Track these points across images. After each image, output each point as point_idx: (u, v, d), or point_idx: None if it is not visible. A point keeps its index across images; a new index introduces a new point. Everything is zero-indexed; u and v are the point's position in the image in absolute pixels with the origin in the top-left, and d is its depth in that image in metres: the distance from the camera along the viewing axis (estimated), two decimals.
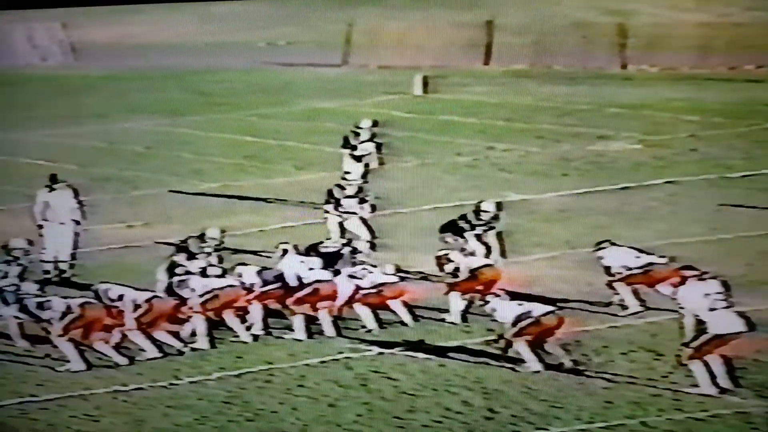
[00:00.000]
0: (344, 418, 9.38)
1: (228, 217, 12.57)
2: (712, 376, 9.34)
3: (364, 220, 12.26)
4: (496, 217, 11.56)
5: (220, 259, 11.17)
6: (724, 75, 15.98)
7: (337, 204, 12.29)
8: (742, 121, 14.74)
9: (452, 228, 11.40)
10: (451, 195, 13.31)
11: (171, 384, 9.92)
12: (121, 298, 10.41)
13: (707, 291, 9.43)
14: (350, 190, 12.41)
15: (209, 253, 11.13)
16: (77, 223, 12.23)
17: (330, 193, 12.37)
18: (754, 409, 9.13)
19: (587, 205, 13.09)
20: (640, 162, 14.24)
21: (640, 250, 10.96)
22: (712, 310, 9.36)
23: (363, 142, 13.77)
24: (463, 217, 11.53)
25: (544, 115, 15.42)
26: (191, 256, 11.05)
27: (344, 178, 12.82)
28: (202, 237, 11.25)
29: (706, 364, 9.35)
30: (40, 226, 12.16)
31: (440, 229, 11.42)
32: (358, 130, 13.86)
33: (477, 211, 11.56)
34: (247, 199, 13.70)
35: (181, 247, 11.14)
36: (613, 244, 10.97)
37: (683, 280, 9.63)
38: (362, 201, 12.39)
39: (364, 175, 13.49)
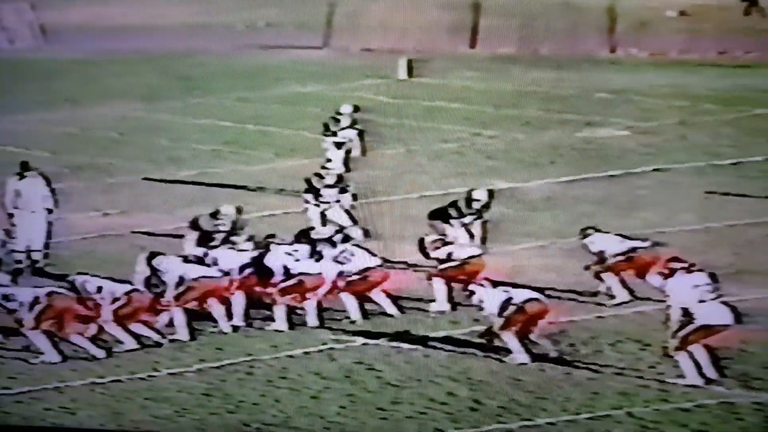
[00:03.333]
0: (327, 410, 9.56)
1: (206, 206, 12.68)
2: (698, 367, 9.63)
3: (345, 210, 12.40)
4: (486, 206, 11.71)
5: (232, 238, 11.16)
6: (714, 60, 16.20)
7: (317, 193, 12.42)
8: (731, 108, 14.98)
9: (442, 215, 11.56)
10: (436, 183, 13.48)
11: (150, 376, 10.07)
12: (99, 290, 10.57)
13: (696, 283, 9.70)
14: (329, 179, 12.53)
15: (226, 232, 11.17)
16: (49, 211, 12.35)
17: (309, 182, 12.49)
18: (739, 399, 9.40)
19: (574, 193, 13.31)
20: (628, 149, 14.45)
21: (623, 236, 11.23)
22: (701, 302, 9.64)
23: (344, 128, 13.90)
24: (454, 204, 11.70)
25: (531, 100, 15.59)
26: (205, 236, 11.13)
27: (324, 167, 12.92)
28: (215, 215, 11.34)
29: (692, 355, 9.65)
30: (11, 215, 12.27)
31: (429, 216, 11.60)
32: (339, 116, 13.99)
33: (468, 200, 11.73)
34: (226, 186, 13.83)
35: (196, 226, 11.24)
36: (598, 230, 11.24)
37: (671, 272, 9.88)
38: (342, 190, 12.53)
39: (346, 163, 13.63)
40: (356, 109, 14.09)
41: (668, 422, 9.20)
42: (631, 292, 11.00)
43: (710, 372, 9.64)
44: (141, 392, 9.84)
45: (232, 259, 11.04)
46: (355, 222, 12.27)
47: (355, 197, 12.53)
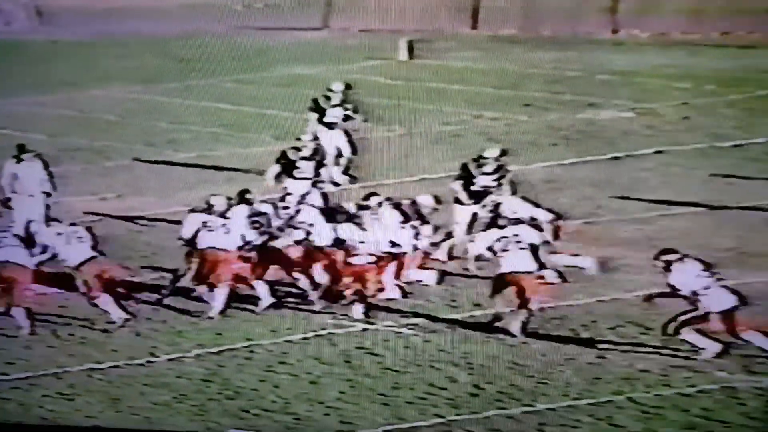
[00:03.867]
0: (327, 395, 9.56)
1: (204, 189, 12.67)
2: (712, 337, 9.63)
3: (323, 193, 11.86)
4: (500, 167, 11.21)
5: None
6: (717, 41, 16.13)
7: (292, 167, 12.03)
8: (735, 89, 14.93)
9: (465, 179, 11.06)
10: (436, 165, 13.45)
11: (148, 362, 10.08)
12: (45, 249, 10.47)
13: (696, 271, 9.69)
14: (306, 152, 12.10)
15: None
16: (47, 195, 12.32)
17: (284, 154, 12.04)
18: (740, 384, 9.41)
19: (576, 175, 13.28)
20: (631, 130, 14.42)
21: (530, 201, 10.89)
22: (706, 288, 9.63)
23: (334, 106, 13.62)
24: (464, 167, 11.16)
25: (532, 82, 15.55)
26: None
27: (298, 139, 12.40)
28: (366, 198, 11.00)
29: (700, 331, 9.64)
30: (9, 199, 12.25)
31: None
32: (330, 94, 13.69)
33: (479, 159, 11.18)
34: (224, 169, 13.79)
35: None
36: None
37: (668, 265, 9.84)
38: (320, 165, 12.20)
39: (352, 143, 13.40)
40: (348, 86, 13.80)
41: (670, 408, 9.19)
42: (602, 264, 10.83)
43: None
44: (139, 378, 9.84)
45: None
46: (326, 202, 11.64)
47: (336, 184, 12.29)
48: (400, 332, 10.41)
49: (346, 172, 13.39)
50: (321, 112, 13.56)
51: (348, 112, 13.52)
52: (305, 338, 10.39)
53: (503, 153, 11.34)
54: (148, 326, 10.62)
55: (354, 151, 13.35)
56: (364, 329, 10.51)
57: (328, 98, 13.63)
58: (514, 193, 11.22)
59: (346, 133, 13.50)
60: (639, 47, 16.36)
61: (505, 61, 15.94)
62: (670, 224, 11.91)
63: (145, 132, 14.93)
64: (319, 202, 11.69)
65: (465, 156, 13.74)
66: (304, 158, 12.06)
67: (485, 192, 11.22)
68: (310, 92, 14.91)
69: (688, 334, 9.64)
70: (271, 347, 10.27)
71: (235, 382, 9.77)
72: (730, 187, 12.71)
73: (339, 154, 13.37)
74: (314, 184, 12.05)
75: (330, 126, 13.45)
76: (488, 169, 11.25)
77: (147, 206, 12.70)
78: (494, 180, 11.23)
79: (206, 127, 15.03)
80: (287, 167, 12.11)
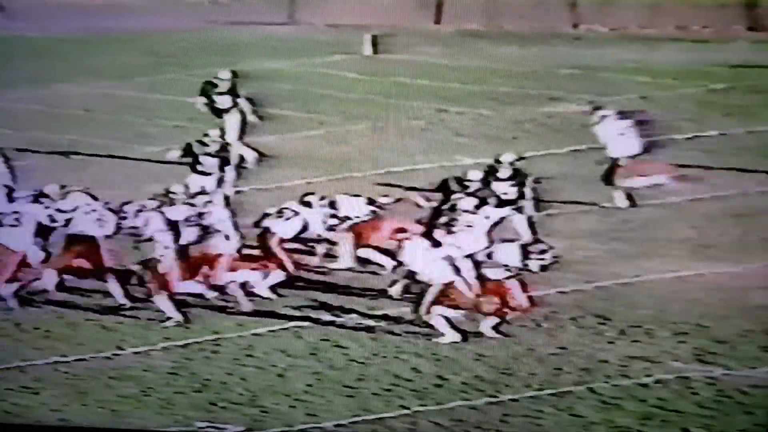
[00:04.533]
0: (294, 387, 9.62)
1: (172, 183, 12.62)
2: (451, 324, 9.85)
3: (225, 196, 11.58)
4: (517, 173, 11.06)
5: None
6: (673, 35, 16.28)
7: (196, 162, 11.83)
8: (689, 83, 15.10)
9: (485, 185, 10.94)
10: (403, 159, 13.50)
11: (114, 354, 10.07)
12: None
13: (423, 247, 9.91)
14: (212, 147, 11.90)
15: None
16: (9, 189, 12.23)
17: (189, 146, 11.83)
18: (693, 373, 9.56)
19: (539, 168, 13.38)
20: (591, 124, 14.54)
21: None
22: (428, 264, 9.83)
23: (221, 94, 13.38)
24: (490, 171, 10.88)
25: (496, 76, 15.61)
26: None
27: (206, 134, 12.18)
28: (461, 181, 10.89)
29: (443, 315, 9.87)
30: None
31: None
32: (217, 81, 13.40)
33: (494, 165, 10.97)
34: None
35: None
36: None
37: (400, 243, 10.02)
38: (225, 163, 11.96)
39: (243, 132, 13.26)
40: (234, 74, 13.50)
41: (628, 398, 9.32)
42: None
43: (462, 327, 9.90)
44: (105, 371, 9.83)
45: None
46: (228, 204, 11.37)
47: (239, 172, 12.01)
48: (367, 324, 10.46)
49: (258, 151, 13.21)
50: (210, 99, 13.37)
51: (239, 99, 13.44)
52: (272, 331, 10.42)
53: (520, 158, 11.19)
54: (114, 319, 10.60)
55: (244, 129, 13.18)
56: (331, 322, 10.56)
57: (215, 85, 13.43)
58: (537, 201, 11.02)
59: (242, 114, 13.22)
60: (599, 41, 16.44)
61: (470, 56, 15.98)
62: (630, 216, 12.05)
63: (112, 126, 14.85)
64: (221, 205, 11.50)
65: (432, 150, 13.81)
66: (208, 154, 11.86)
67: (502, 200, 10.97)
68: (277, 86, 14.91)
69: (434, 318, 9.81)
70: (238, 340, 10.29)
71: (202, 375, 9.81)
72: (685, 178, 12.86)
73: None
74: (219, 184, 11.84)
75: (218, 112, 13.21)
76: (503, 174, 11.13)
77: (115, 199, 12.65)
78: (512, 186, 11.04)
79: (174, 121, 14.96)
80: (190, 161, 11.89)
